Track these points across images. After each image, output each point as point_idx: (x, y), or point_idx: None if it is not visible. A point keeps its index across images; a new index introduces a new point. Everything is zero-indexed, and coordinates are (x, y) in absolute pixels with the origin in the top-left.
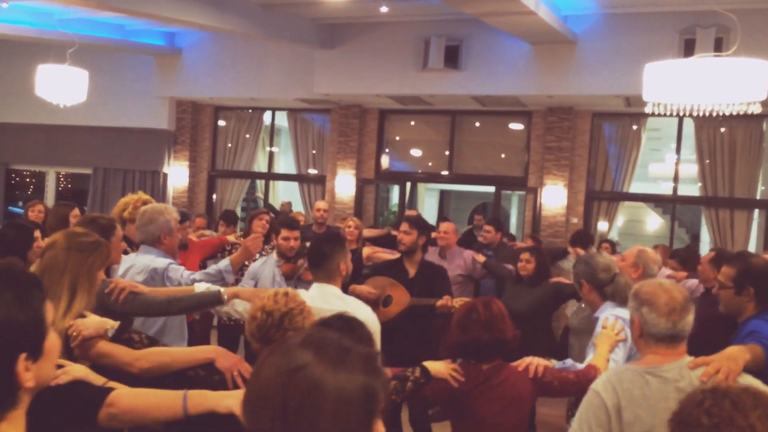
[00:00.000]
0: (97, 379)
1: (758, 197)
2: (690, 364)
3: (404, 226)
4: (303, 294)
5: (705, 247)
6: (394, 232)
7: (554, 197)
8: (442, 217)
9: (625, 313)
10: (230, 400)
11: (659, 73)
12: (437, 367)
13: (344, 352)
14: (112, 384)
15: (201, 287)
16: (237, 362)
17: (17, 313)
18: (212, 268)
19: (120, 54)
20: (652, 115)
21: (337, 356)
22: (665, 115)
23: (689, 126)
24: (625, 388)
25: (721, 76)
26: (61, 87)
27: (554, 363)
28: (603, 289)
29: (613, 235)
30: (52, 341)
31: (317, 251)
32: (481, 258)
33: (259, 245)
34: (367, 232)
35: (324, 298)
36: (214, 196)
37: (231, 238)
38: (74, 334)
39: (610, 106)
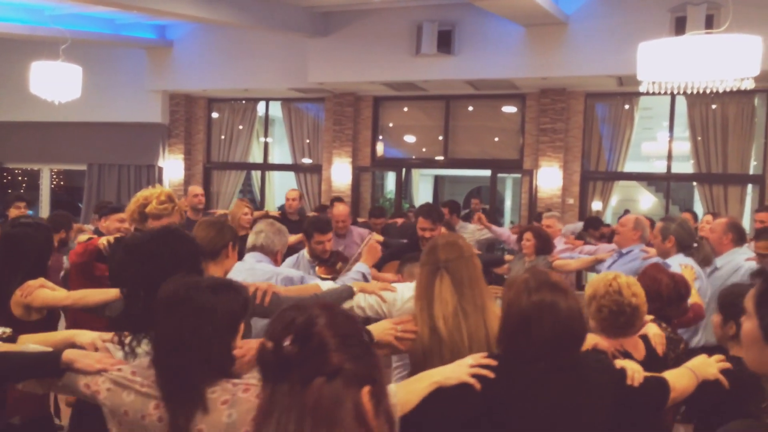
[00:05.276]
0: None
1: (751, 172)
2: None
3: (426, 223)
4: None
5: None
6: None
7: (550, 179)
8: (437, 203)
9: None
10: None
11: (653, 52)
12: None
13: None
14: None
15: (326, 285)
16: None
17: None
18: (352, 272)
19: (111, 48)
20: (645, 94)
21: None
22: (659, 93)
23: (681, 104)
24: None
25: (713, 53)
26: (56, 84)
27: None
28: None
29: (607, 215)
30: None
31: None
32: (378, 237)
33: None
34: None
35: None
36: (211, 189)
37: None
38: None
39: (602, 86)
